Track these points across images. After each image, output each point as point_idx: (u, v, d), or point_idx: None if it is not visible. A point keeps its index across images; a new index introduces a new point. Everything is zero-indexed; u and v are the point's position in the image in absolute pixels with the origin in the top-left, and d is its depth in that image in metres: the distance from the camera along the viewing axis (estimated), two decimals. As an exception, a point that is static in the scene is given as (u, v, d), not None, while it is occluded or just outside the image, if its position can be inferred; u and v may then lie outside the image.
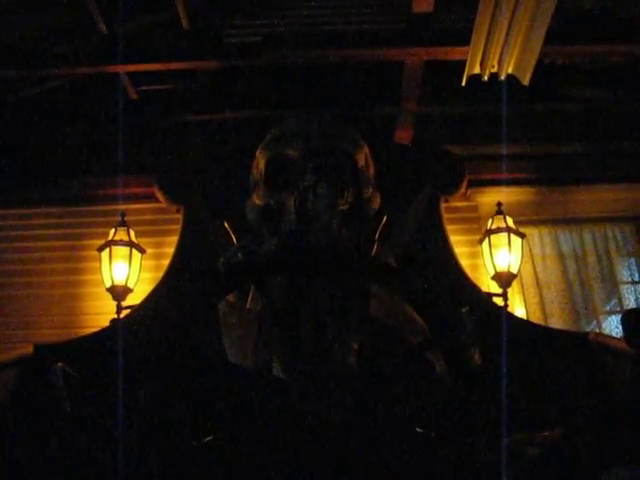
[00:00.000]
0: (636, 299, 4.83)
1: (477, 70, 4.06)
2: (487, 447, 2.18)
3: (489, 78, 4.06)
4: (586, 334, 3.87)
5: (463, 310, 3.40)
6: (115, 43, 4.54)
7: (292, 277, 3.05)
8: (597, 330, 4.64)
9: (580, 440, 2.33)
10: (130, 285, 4.39)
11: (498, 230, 4.43)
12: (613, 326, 4.68)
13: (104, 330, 4.03)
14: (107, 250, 4.40)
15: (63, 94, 5.01)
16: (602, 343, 3.68)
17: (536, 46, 3.80)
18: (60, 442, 2.85)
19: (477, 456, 2.13)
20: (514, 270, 4.38)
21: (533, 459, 2.28)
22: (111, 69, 4.72)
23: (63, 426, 3.01)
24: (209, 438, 2.36)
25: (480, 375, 2.96)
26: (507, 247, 4.36)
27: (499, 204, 4.55)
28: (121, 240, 4.42)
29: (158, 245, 4.75)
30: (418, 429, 2.39)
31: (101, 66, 4.68)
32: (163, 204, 4.71)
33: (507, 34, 3.77)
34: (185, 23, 4.76)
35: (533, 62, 3.89)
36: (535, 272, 4.87)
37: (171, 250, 4.44)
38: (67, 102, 5.04)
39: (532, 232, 4.91)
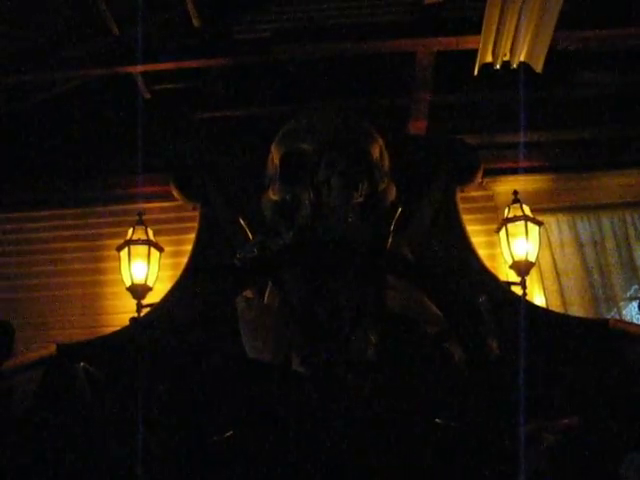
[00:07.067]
0: (656, 285, 4.79)
1: (489, 59, 4.04)
2: (506, 435, 2.19)
3: (502, 66, 4.05)
4: (606, 321, 3.85)
5: (480, 299, 3.40)
6: (128, 44, 4.58)
7: (308, 271, 3.05)
8: (617, 317, 4.62)
9: (599, 427, 2.32)
10: (149, 283, 4.43)
11: (515, 219, 4.41)
12: (634, 312, 4.65)
13: (125, 329, 4.07)
14: (126, 249, 4.44)
15: (78, 96, 5.06)
16: (622, 329, 3.66)
17: (548, 32, 3.77)
18: (83, 441, 2.89)
19: (496, 444, 2.14)
20: (532, 258, 4.37)
21: (552, 446, 2.29)
22: (125, 70, 4.77)
23: (86, 425, 3.05)
24: (229, 434, 2.38)
25: (499, 364, 2.96)
26: (524, 235, 4.35)
27: (515, 192, 4.54)
28: (139, 239, 4.46)
29: (176, 243, 4.78)
30: (437, 419, 2.39)
31: (115, 67, 4.74)
32: (180, 202, 4.74)
33: (518, 22, 3.75)
34: (196, 21, 4.78)
35: (545, 49, 3.87)
36: (553, 260, 4.84)
37: (189, 248, 4.48)
38: (82, 104, 5.09)
39: (549, 220, 4.87)
